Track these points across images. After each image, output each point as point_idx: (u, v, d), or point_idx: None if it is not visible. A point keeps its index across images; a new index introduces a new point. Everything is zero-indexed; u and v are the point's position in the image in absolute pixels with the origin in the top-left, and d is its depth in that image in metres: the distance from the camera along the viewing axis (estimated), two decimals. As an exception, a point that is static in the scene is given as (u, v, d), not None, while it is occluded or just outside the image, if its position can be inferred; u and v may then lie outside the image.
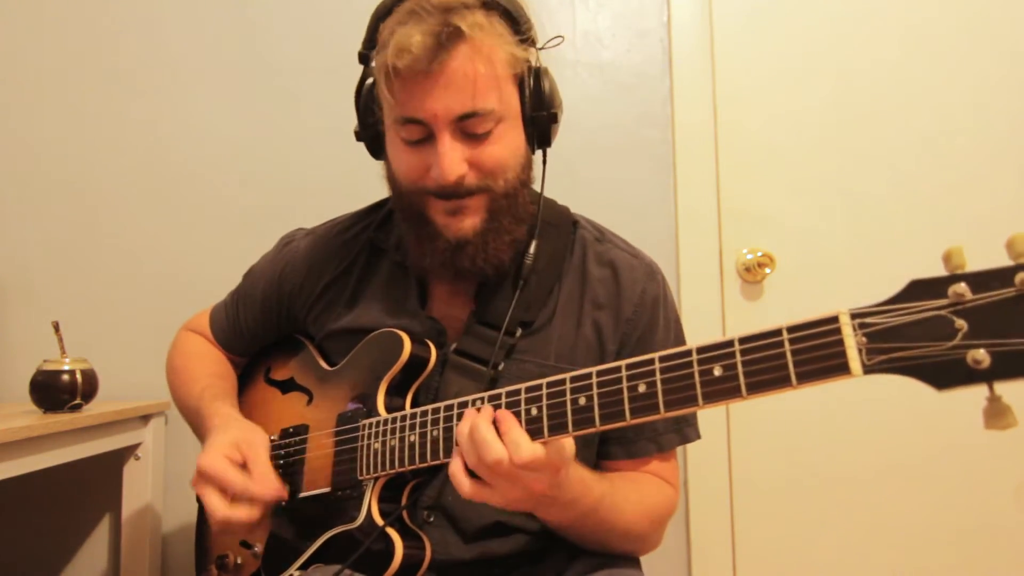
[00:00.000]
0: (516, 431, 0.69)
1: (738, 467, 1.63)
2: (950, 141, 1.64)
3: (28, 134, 1.75)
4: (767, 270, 1.62)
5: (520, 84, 0.87)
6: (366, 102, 0.90)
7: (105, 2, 1.76)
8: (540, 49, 0.89)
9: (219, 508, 0.84)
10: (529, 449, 0.68)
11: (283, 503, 0.91)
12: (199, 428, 1.00)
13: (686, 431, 0.95)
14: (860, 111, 1.66)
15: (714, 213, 1.65)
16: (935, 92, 1.65)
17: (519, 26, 0.85)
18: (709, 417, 1.59)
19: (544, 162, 0.93)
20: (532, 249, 0.91)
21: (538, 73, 0.87)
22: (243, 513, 0.84)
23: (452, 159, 0.82)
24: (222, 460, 0.85)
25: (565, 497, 0.75)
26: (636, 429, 0.91)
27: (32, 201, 1.73)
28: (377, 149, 0.93)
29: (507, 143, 0.86)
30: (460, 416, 0.75)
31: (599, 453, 0.93)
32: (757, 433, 1.63)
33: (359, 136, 0.94)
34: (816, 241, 1.65)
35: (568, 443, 0.72)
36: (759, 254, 1.63)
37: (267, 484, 0.86)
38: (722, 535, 1.61)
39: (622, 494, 0.84)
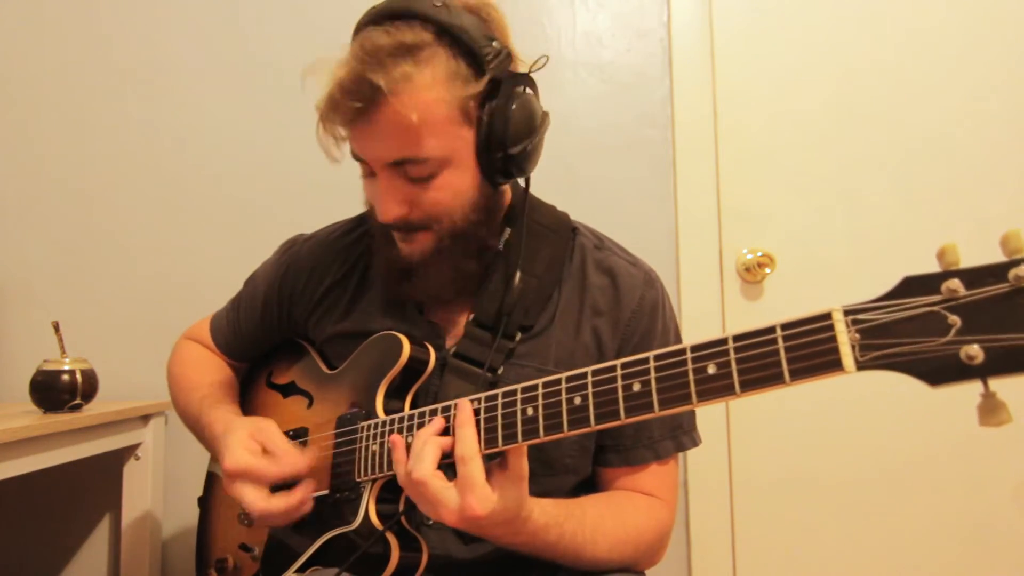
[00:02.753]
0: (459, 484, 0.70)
1: (738, 467, 1.63)
2: (950, 141, 1.63)
3: (28, 135, 1.75)
4: (767, 270, 1.62)
5: (479, 121, 0.82)
6: None
7: (105, 3, 1.76)
8: (530, 72, 0.84)
9: (258, 501, 0.83)
10: (480, 502, 0.69)
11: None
12: (202, 436, 1.00)
13: (682, 439, 0.94)
14: (860, 111, 1.66)
15: (714, 213, 1.65)
16: (935, 92, 1.65)
17: (478, 59, 0.79)
18: (709, 417, 1.59)
19: (526, 188, 0.92)
20: (522, 252, 0.90)
21: (492, 110, 0.81)
22: (281, 502, 0.84)
23: (387, 201, 0.82)
24: (244, 454, 0.85)
25: (520, 538, 0.77)
26: (633, 436, 0.91)
27: (32, 202, 1.73)
28: None
29: (451, 187, 0.83)
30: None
31: (597, 460, 0.92)
32: (757, 433, 1.63)
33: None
34: (816, 241, 1.65)
35: (524, 491, 0.73)
36: (759, 254, 1.63)
37: (295, 460, 0.86)
38: (722, 535, 1.61)
39: (592, 525, 0.82)
